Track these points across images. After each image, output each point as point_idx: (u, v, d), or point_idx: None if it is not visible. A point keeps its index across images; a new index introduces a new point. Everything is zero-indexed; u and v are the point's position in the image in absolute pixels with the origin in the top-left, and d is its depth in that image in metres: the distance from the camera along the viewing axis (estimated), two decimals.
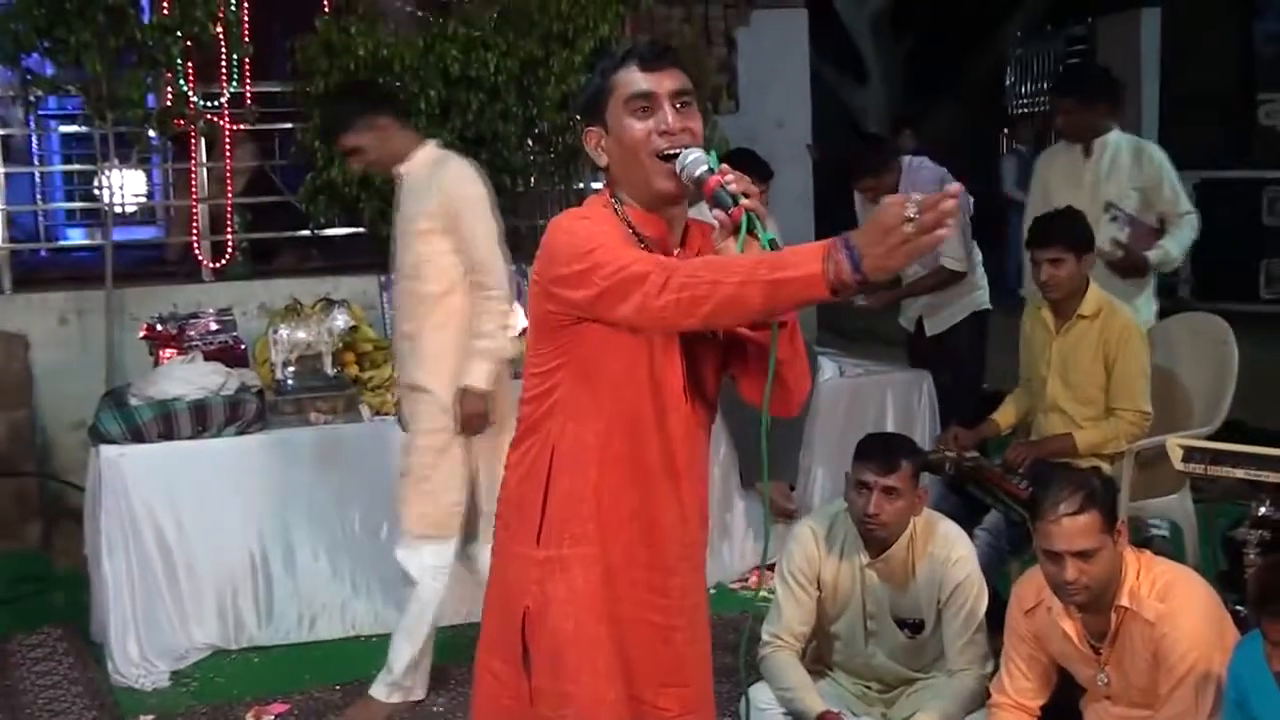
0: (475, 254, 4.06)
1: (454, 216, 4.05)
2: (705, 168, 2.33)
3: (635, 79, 2.43)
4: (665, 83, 2.43)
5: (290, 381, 5.04)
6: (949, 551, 3.80)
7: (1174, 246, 5.53)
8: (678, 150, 2.38)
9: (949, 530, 3.88)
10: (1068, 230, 4.80)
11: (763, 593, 4.87)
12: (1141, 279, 5.51)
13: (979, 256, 6.07)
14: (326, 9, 6.18)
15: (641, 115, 2.42)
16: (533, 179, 6.12)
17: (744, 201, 2.27)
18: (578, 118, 2.47)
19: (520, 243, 6.69)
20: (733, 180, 2.29)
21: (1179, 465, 3.96)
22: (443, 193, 4.06)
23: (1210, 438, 4.55)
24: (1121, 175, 5.59)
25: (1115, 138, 5.66)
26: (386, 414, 4.95)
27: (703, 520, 2.66)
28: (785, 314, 2.32)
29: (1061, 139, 6.07)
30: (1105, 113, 5.68)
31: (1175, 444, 4.00)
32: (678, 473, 2.53)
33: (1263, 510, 3.83)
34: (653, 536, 2.53)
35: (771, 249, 2.24)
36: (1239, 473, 3.86)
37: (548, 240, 2.44)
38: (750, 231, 2.27)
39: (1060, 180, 5.74)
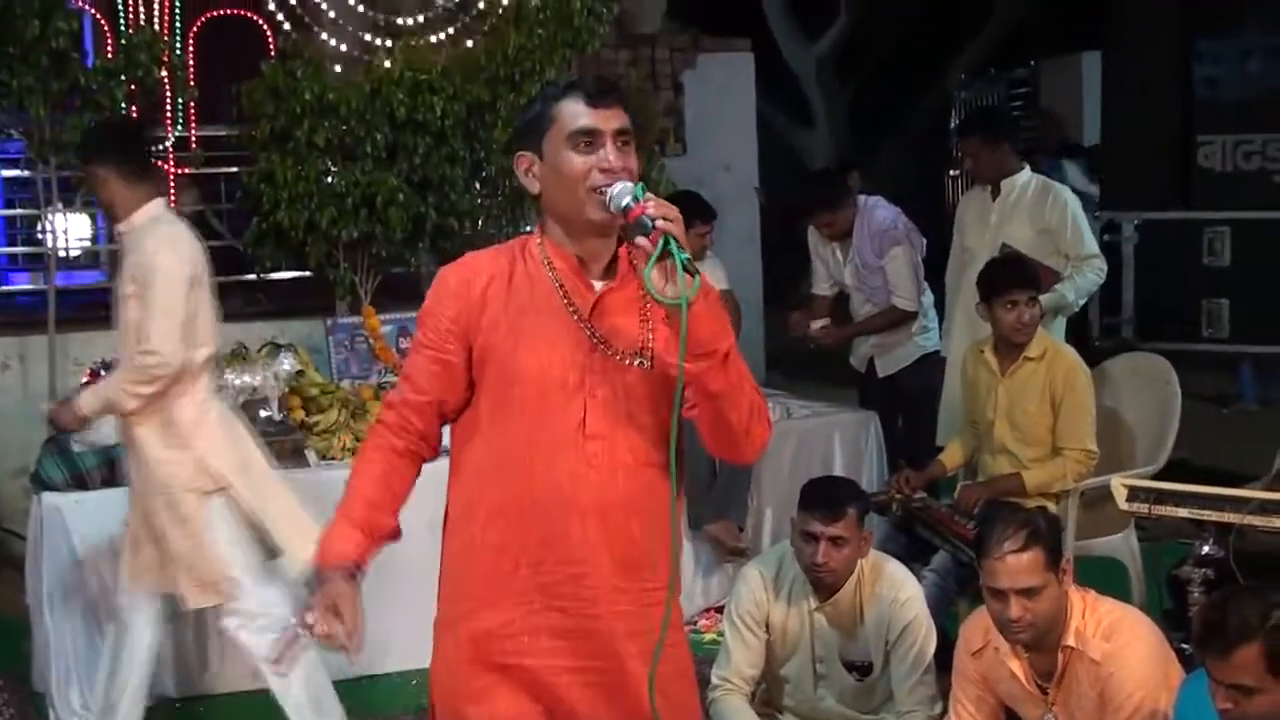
0: (145, 323, 3.85)
1: (145, 284, 3.88)
2: (630, 198, 2.34)
3: (580, 113, 2.43)
4: (611, 121, 2.44)
5: None
6: (896, 592, 3.82)
7: (1070, 291, 5.53)
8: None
9: (895, 571, 3.90)
10: (1023, 272, 4.86)
11: (711, 636, 4.87)
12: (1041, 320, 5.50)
13: (930, 298, 6.12)
14: (272, 53, 6.18)
15: (583, 150, 2.42)
16: (480, 222, 6.12)
17: (660, 223, 2.28)
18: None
19: None
20: (652, 205, 2.31)
21: (1123, 505, 4.00)
22: (141, 258, 3.92)
23: (1155, 477, 4.60)
24: (1023, 216, 5.65)
25: (1024, 178, 5.73)
26: (333, 459, 4.93)
27: (651, 558, 2.52)
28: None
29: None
30: (1010, 152, 5.75)
31: (1120, 484, 4.04)
32: (585, 510, 2.44)
33: (1206, 549, 3.87)
34: (561, 580, 2.45)
35: (685, 270, 2.26)
36: (1182, 512, 3.91)
37: (432, 292, 2.61)
38: (665, 253, 2.27)
39: (971, 221, 5.84)
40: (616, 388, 2.47)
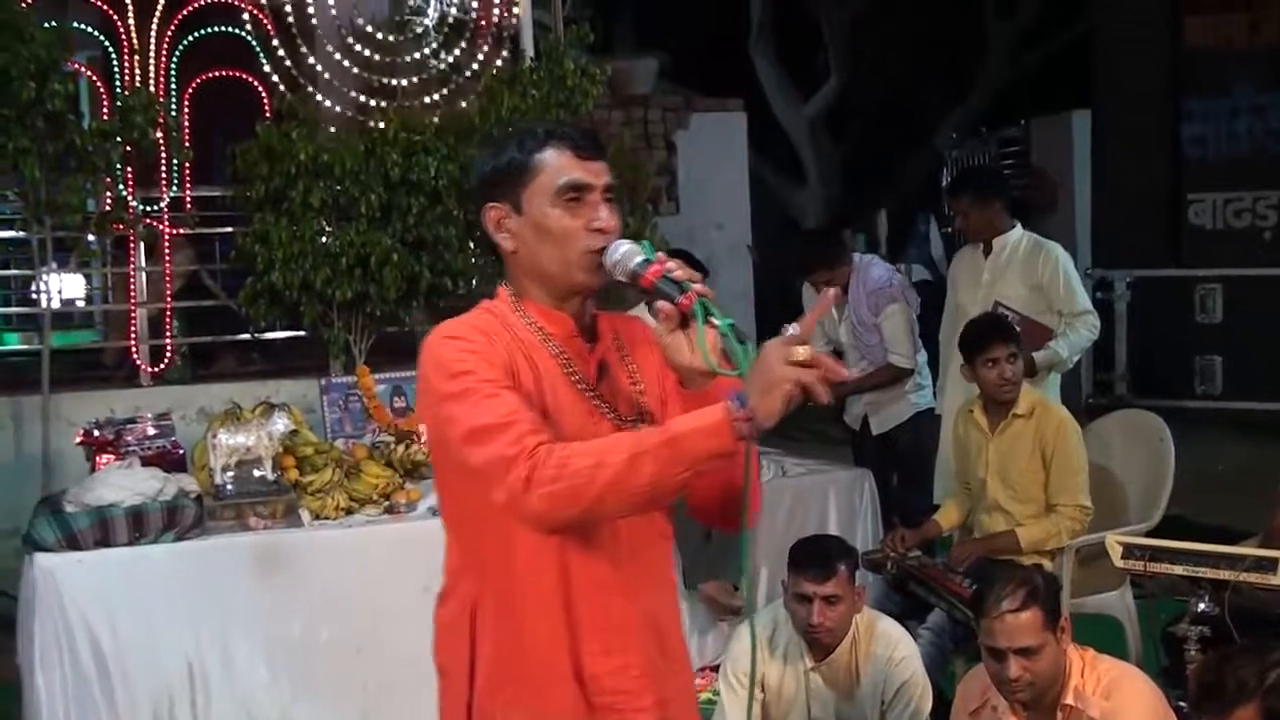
0: None
1: None
2: (640, 259, 2.19)
3: (568, 166, 2.26)
4: (601, 175, 2.28)
5: (229, 487, 4.99)
6: (892, 651, 3.82)
7: (1064, 347, 5.58)
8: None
9: (891, 629, 3.89)
10: (1001, 329, 4.89)
11: (707, 695, 4.85)
12: (1032, 379, 5.51)
13: (924, 356, 6.15)
14: (267, 113, 6.23)
15: (572, 206, 2.24)
16: (474, 282, 6.14)
17: (695, 287, 2.13)
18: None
19: None
20: (675, 267, 2.16)
21: (1118, 562, 4.00)
22: None
23: (1150, 534, 4.61)
24: (1016, 273, 5.68)
25: (1016, 236, 5.78)
26: (327, 518, 4.92)
27: (673, 640, 2.42)
28: (676, 492, 2.11)
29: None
30: (1001, 210, 5.79)
31: (1114, 541, 4.05)
32: (631, 591, 2.29)
33: (1202, 606, 3.86)
34: (611, 668, 2.28)
35: (734, 336, 2.10)
36: (1178, 569, 3.90)
37: (423, 359, 2.29)
38: (706, 318, 2.11)
39: (963, 280, 5.88)
40: None
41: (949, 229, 10.61)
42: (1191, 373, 9.89)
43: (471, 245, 6.15)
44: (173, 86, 6.15)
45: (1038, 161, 12.21)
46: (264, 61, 6.33)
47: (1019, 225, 5.85)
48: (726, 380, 2.14)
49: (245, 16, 6.31)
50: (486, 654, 2.28)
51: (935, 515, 5.05)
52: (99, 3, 6.05)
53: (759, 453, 2.29)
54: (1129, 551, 4.00)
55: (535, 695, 2.27)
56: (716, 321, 2.12)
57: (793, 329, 1.99)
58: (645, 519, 2.32)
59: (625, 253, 2.21)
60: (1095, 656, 3.42)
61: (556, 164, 2.27)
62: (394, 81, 6.57)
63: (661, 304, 2.17)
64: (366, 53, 6.47)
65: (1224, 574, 3.78)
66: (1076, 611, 4.66)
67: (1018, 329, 5.27)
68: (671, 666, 2.39)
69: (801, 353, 1.98)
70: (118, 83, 6.03)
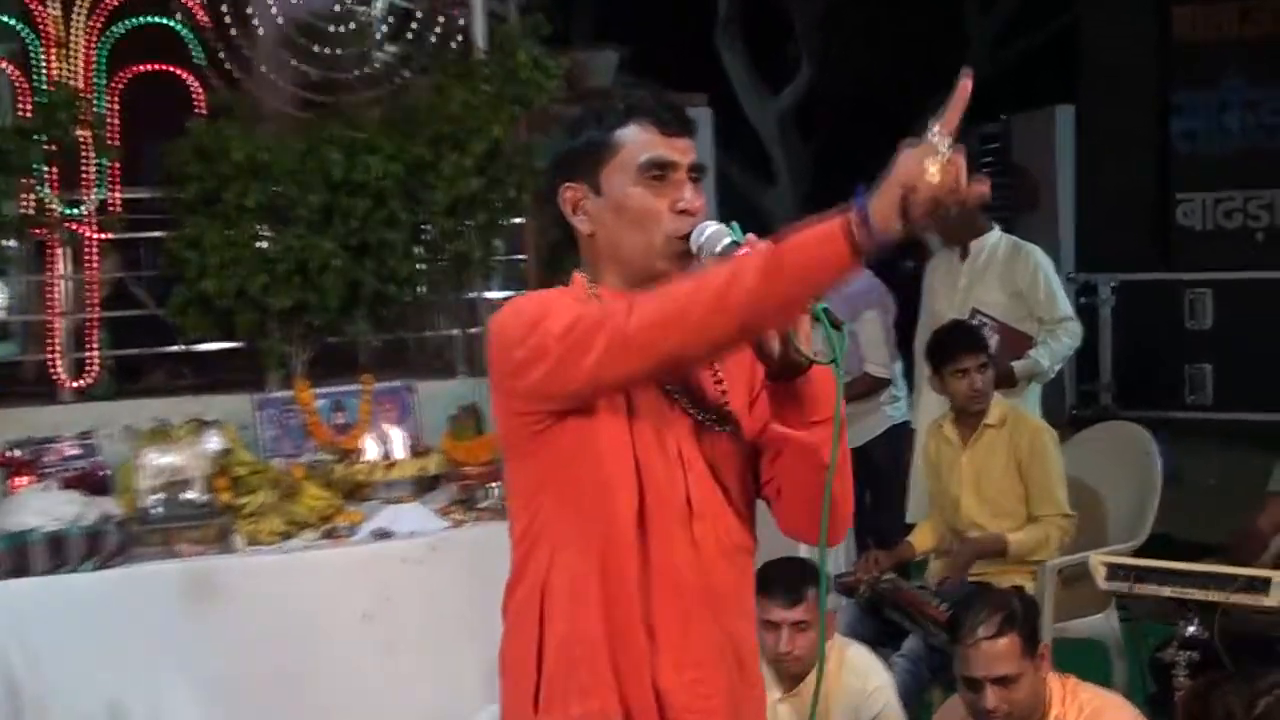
0: None
1: None
2: (729, 240, 2.16)
3: (653, 142, 2.25)
4: (687, 153, 2.28)
5: (157, 510, 4.94)
6: (864, 682, 3.81)
7: (1045, 356, 5.59)
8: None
9: (860, 656, 3.89)
10: (971, 337, 4.90)
11: None
12: (1011, 390, 5.52)
13: (899, 366, 6.15)
14: (200, 110, 6.17)
15: (655, 185, 2.23)
16: (421, 288, 6.11)
17: None
18: (553, 173, 2.37)
19: (409, 358, 6.70)
20: (766, 249, 2.06)
21: (1102, 583, 4.01)
22: None
23: (1136, 553, 4.62)
24: (994, 278, 5.69)
25: (994, 239, 5.79)
26: (263, 543, 4.88)
27: (751, 665, 2.36)
28: (782, 316, 2.03)
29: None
30: (978, 212, 5.80)
31: (1098, 561, 4.06)
32: (709, 601, 2.23)
33: (1191, 630, 3.88)
34: (684, 681, 2.21)
35: (828, 321, 2.04)
36: (1165, 591, 3.92)
37: (492, 331, 2.23)
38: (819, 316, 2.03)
39: (939, 286, 5.89)
40: (708, 457, 2.27)
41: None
42: (1180, 382, 9.95)
43: (418, 250, 6.12)
44: (99, 81, 6.09)
45: (1018, 159, 12.24)
46: (197, 55, 6.27)
47: (997, 227, 5.86)
48: (822, 372, 2.15)
49: (176, 7, 6.26)
50: (559, 633, 2.21)
51: (909, 537, 5.06)
52: None
53: (848, 456, 2.26)
54: (1114, 572, 4.01)
55: (613, 684, 2.19)
56: (819, 317, 2.08)
57: (936, 128, 1.89)
58: (725, 525, 2.27)
59: (712, 234, 2.18)
60: (1077, 684, 3.42)
61: (639, 140, 2.25)
62: (336, 76, 6.53)
63: None
64: (307, 45, 6.43)
65: (1214, 596, 3.80)
66: (1059, 636, 4.68)
67: (992, 337, 5.29)
68: (749, 690, 2.35)
69: (941, 153, 1.87)
70: (39, 77, 5.97)
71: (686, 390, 2.27)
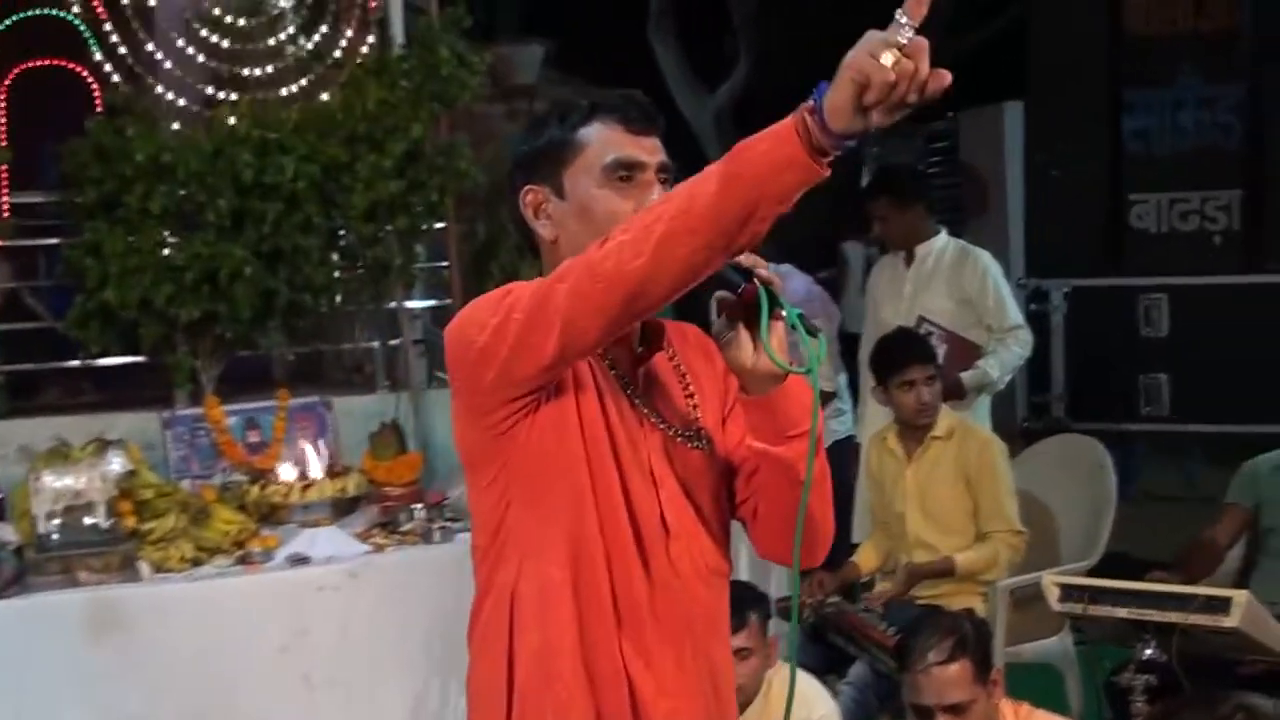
0: None
1: None
2: None
3: (619, 141, 2.24)
4: (655, 153, 2.26)
5: (55, 536, 4.90)
6: (809, 713, 3.84)
7: (994, 367, 5.66)
8: None
9: (805, 687, 3.91)
10: (918, 348, 4.95)
11: None
12: (960, 402, 5.58)
13: (844, 378, 6.19)
14: (100, 108, 6.13)
15: (622, 186, 2.22)
16: (338, 298, 6.09)
17: (760, 272, 2.08)
18: (514, 173, 2.35)
19: (326, 372, 6.67)
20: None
21: (1056, 605, 4.06)
22: None
23: (1090, 573, 4.69)
24: (941, 285, 5.75)
25: (941, 243, 5.86)
26: (171, 570, 4.85)
27: (727, 693, 2.36)
28: (745, 228, 1.94)
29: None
30: (924, 215, 5.87)
31: (1052, 582, 4.11)
32: (687, 625, 2.23)
33: (1148, 652, 3.94)
34: (661, 712, 2.20)
35: (805, 328, 2.05)
36: (1121, 611, 3.98)
37: (452, 328, 2.20)
38: (773, 310, 2.07)
39: (884, 293, 5.94)
40: (680, 475, 2.27)
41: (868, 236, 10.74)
42: (1135, 392, 10.03)
43: (334, 257, 6.10)
44: None
45: (967, 158, 12.33)
46: (95, 49, 6.23)
47: (944, 231, 5.92)
48: (796, 382, 2.16)
49: None
50: (531, 645, 2.20)
51: (854, 556, 5.10)
52: None
53: (826, 472, 2.25)
54: (1068, 593, 4.06)
55: (590, 702, 2.17)
56: (783, 313, 2.09)
57: (900, 14, 1.83)
58: (701, 548, 2.27)
59: None
60: (1030, 711, 3.47)
61: (604, 139, 2.25)
62: (245, 71, 6.50)
63: (721, 294, 2.14)
64: (214, 39, 6.39)
65: (1171, 616, 3.86)
66: (1011, 660, 4.74)
67: (940, 346, 5.35)
68: (725, 715, 2.35)
69: (903, 38, 1.82)
70: None
71: (656, 404, 2.28)
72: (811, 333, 2.06)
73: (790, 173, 1.90)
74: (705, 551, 2.28)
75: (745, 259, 2.08)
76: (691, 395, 2.33)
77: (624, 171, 2.22)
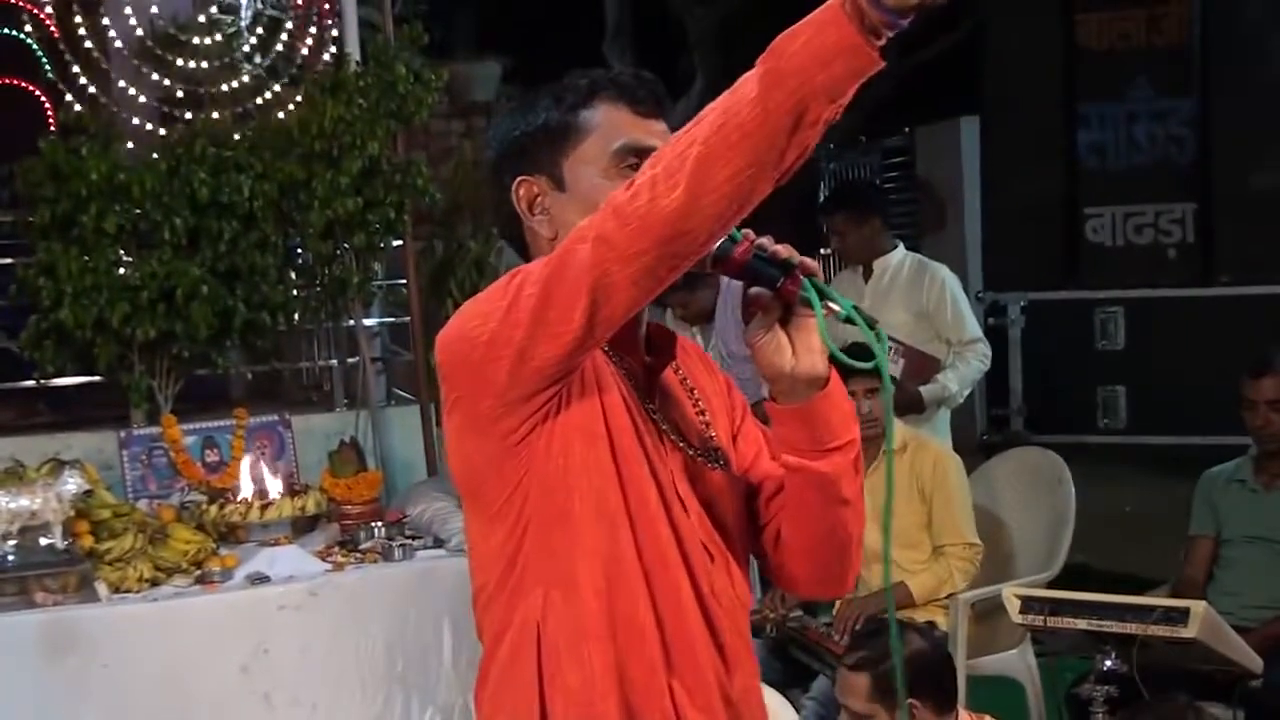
0: None
1: None
2: (724, 237, 1.88)
3: (627, 125, 2.00)
4: (666, 137, 1.93)
5: (11, 557, 4.86)
6: None
7: (953, 381, 5.69)
8: None
9: (769, 700, 3.92)
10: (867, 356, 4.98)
11: None
12: (920, 416, 5.61)
13: None
14: (53, 127, 6.11)
15: (631, 175, 1.85)
16: (296, 316, 6.08)
17: (805, 262, 1.89)
18: (500, 161, 2.10)
19: (284, 391, 6.66)
20: (770, 243, 1.90)
21: (1016, 617, 4.09)
22: None
23: (1050, 585, 4.71)
24: (898, 299, 5.79)
25: (898, 257, 5.90)
26: (129, 591, 4.82)
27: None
28: (795, 129, 1.72)
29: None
30: (881, 229, 5.90)
31: (1012, 594, 4.13)
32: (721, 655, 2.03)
33: (1109, 664, 3.96)
34: None
35: (865, 320, 1.87)
36: (1081, 623, 4.00)
37: (446, 336, 1.95)
38: (825, 303, 1.88)
39: None
40: (702, 497, 2.06)
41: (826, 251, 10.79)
42: (1093, 405, 10.10)
43: (292, 275, 6.09)
44: None
45: (924, 173, 12.41)
46: (48, 68, 6.20)
47: (901, 245, 5.96)
48: (837, 388, 2.00)
49: (26, 18, 6.19)
50: (569, 687, 1.92)
51: None
52: None
53: (861, 491, 2.07)
54: (1028, 605, 4.09)
55: None
56: (835, 306, 1.90)
57: None
58: (733, 577, 2.07)
59: None
60: None
61: (609, 123, 2.01)
62: (201, 89, 6.49)
63: (757, 292, 1.93)
64: (168, 57, 6.38)
65: (1131, 628, 3.89)
66: (973, 673, 4.75)
67: (897, 361, 5.37)
68: None
69: None
70: None
71: (674, 421, 2.08)
72: (871, 325, 1.89)
73: (841, 60, 1.68)
74: (736, 581, 2.09)
75: (780, 249, 1.91)
76: (703, 412, 2.14)
77: (633, 159, 1.97)
